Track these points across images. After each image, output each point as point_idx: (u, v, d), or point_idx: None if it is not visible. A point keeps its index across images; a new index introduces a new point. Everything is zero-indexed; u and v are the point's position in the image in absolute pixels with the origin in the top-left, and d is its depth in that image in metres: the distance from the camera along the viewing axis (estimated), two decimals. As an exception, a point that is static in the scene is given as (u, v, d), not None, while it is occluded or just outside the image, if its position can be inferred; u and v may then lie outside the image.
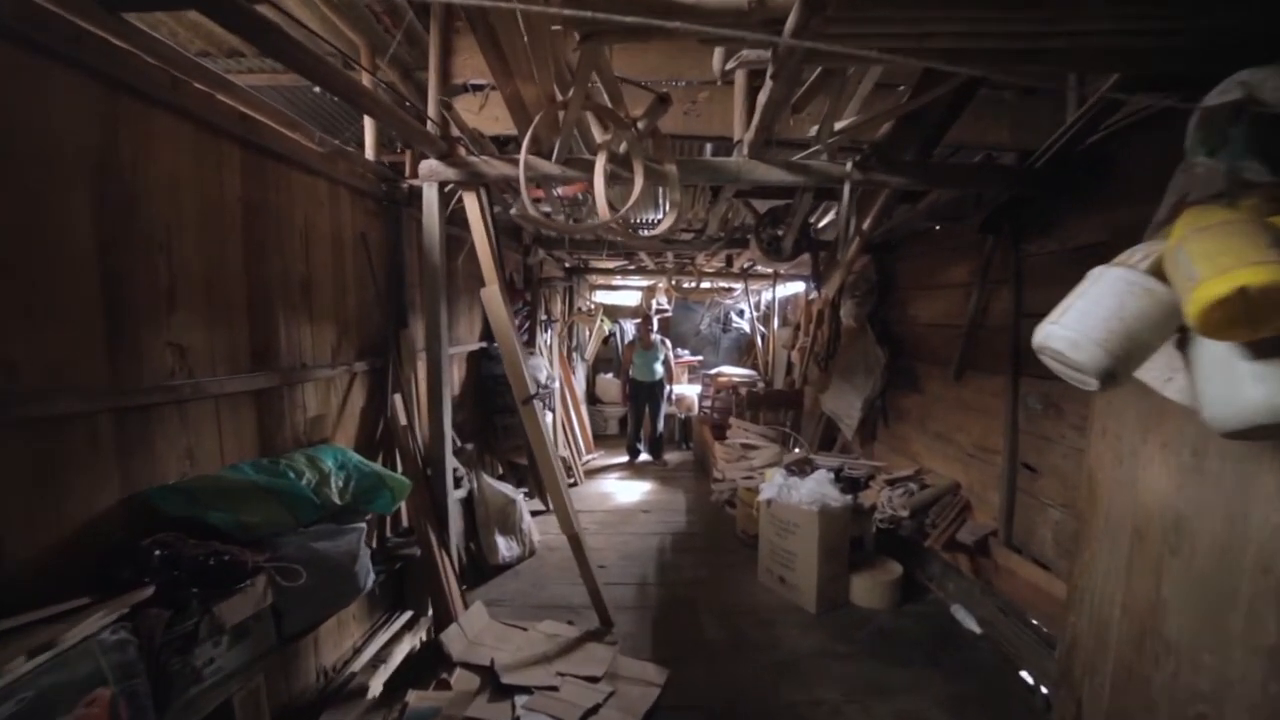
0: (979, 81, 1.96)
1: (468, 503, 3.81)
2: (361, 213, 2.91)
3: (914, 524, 3.14)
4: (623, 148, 2.49)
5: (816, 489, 3.33)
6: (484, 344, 4.62)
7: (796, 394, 5.68)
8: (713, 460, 5.59)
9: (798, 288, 7.55)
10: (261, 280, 2.15)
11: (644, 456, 6.85)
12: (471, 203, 2.79)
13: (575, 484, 5.71)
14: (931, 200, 3.26)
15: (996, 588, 2.88)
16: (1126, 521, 1.83)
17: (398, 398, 2.88)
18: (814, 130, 2.45)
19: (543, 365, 4.90)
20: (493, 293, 2.82)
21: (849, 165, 2.41)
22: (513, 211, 2.58)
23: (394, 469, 2.95)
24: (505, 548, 3.85)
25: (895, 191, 2.96)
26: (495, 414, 4.65)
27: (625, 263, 6.76)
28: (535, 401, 2.93)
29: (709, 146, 2.82)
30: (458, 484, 3.73)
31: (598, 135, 2.33)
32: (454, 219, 3.09)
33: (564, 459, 5.61)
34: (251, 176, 2.08)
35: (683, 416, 7.73)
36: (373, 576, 2.19)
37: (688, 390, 7.85)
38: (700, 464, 6.68)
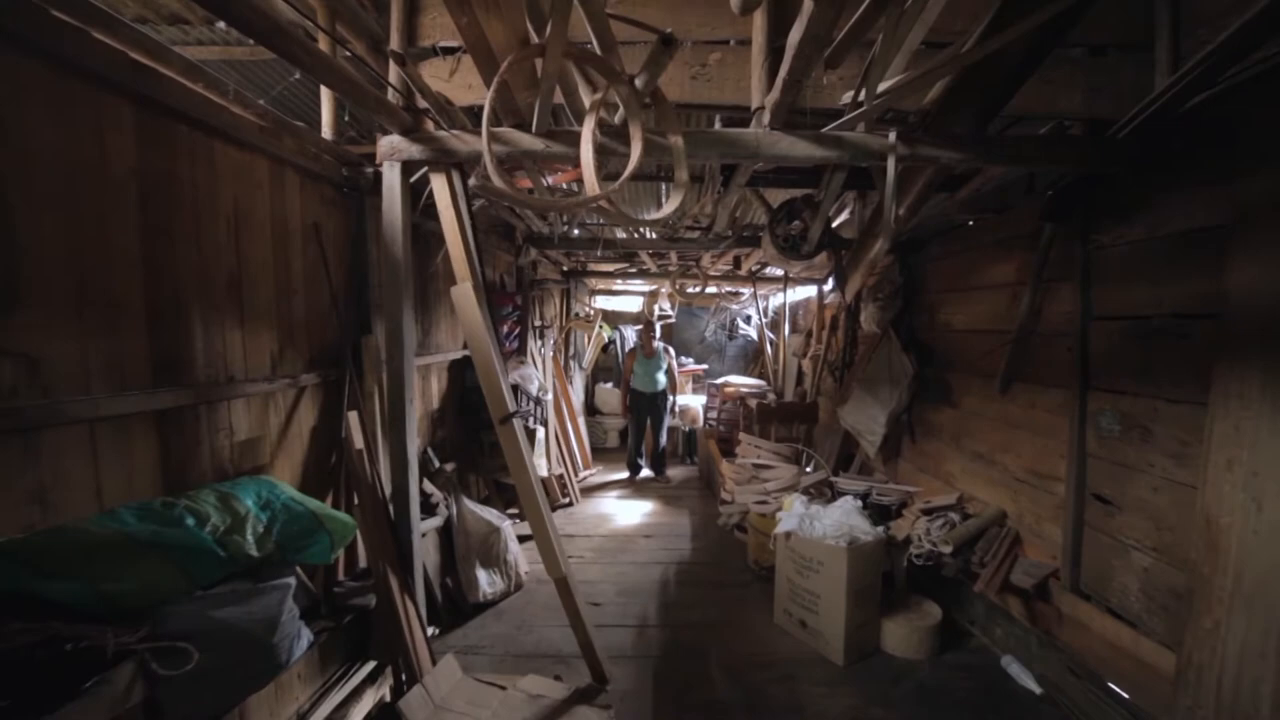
0: (1070, 20, 1.54)
1: (445, 532, 3.38)
2: (315, 200, 2.50)
3: (958, 562, 2.69)
4: (618, 116, 2.08)
5: (842, 519, 2.89)
6: (468, 352, 4.19)
7: (811, 407, 5.24)
8: (720, 478, 5.15)
9: (809, 292, 7.13)
10: (168, 274, 1.73)
11: (645, 473, 6.41)
12: (440, 186, 2.38)
13: (571, 504, 5.28)
14: (974, 187, 2.84)
15: (1060, 640, 2.43)
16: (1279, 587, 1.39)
17: (353, 416, 2.46)
18: (847, 97, 2.04)
19: (534, 375, 4.49)
20: (464, 291, 2.40)
21: (891, 137, 1.99)
22: (471, 182, 2.15)
23: (350, 501, 2.53)
24: (487, 583, 3.40)
25: (934, 177, 2.53)
26: (481, 429, 4.23)
27: (626, 265, 6.35)
28: (516, 420, 2.50)
29: (717, 120, 2.41)
30: (433, 511, 3.30)
31: (586, 98, 1.92)
32: (432, 210, 2.69)
33: (559, 477, 5.17)
34: (152, 143, 1.67)
35: (686, 429, 7.29)
36: (306, 642, 1.77)
37: (692, 401, 7.42)
38: (706, 481, 6.24)
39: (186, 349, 1.79)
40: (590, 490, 5.87)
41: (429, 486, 3.23)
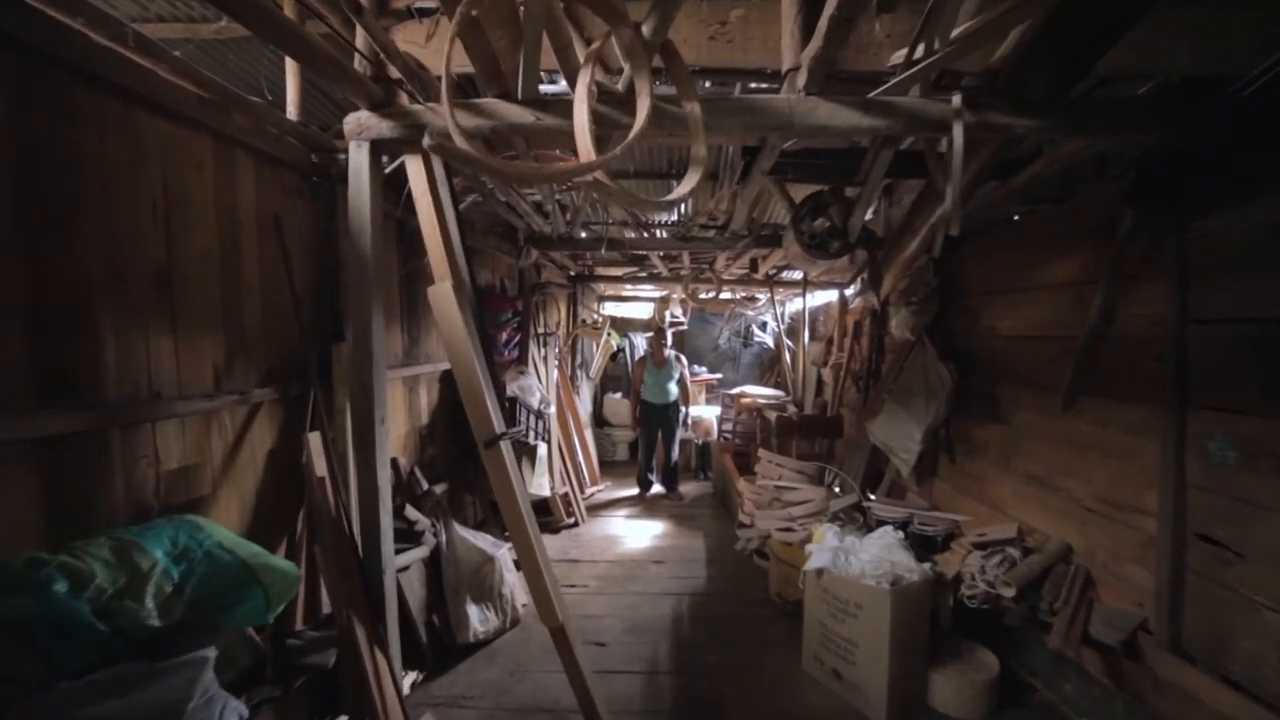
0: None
1: (432, 562, 3.03)
2: (276, 188, 2.18)
3: (1023, 608, 2.30)
4: (622, 82, 1.74)
5: (883, 554, 2.51)
6: (464, 361, 3.86)
7: (835, 420, 4.85)
8: (737, 497, 4.77)
9: (829, 297, 6.75)
10: (63, 269, 1.40)
11: (656, 489, 6.03)
12: (415, 168, 2.05)
13: (576, 524, 4.91)
14: (1035, 172, 2.46)
15: (1154, 708, 2.02)
16: None
17: (315, 437, 2.12)
18: (897, 57, 1.68)
19: (535, 387, 4.14)
20: (442, 293, 2.06)
21: (956, 100, 1.63)
22: (426, 142, 1.80)
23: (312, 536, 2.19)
24: (478, 620, 3.04)
25: (991, 158, 2.15)
26: (476, 446, 3.88)
27: (635, 269, 6.01)
28: (505, 442, 2.15)
29: (737, 89, 2.06)
30: (418, 539, 2.95)
31: (581, 53, 1.58)
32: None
33: (563, 496, 4.81)
34: (32, 102, 1.34)
35: (700, 442, 6.90)
36: (233, 724, 1.41)
37: (705, 412, 7.04)
38: (721, 499, 5.84)
39: (91, 360, 1.46)
40: (598, 508, 5.50)
41: (413, 513, 2.89)
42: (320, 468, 2.09)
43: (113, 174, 1.52)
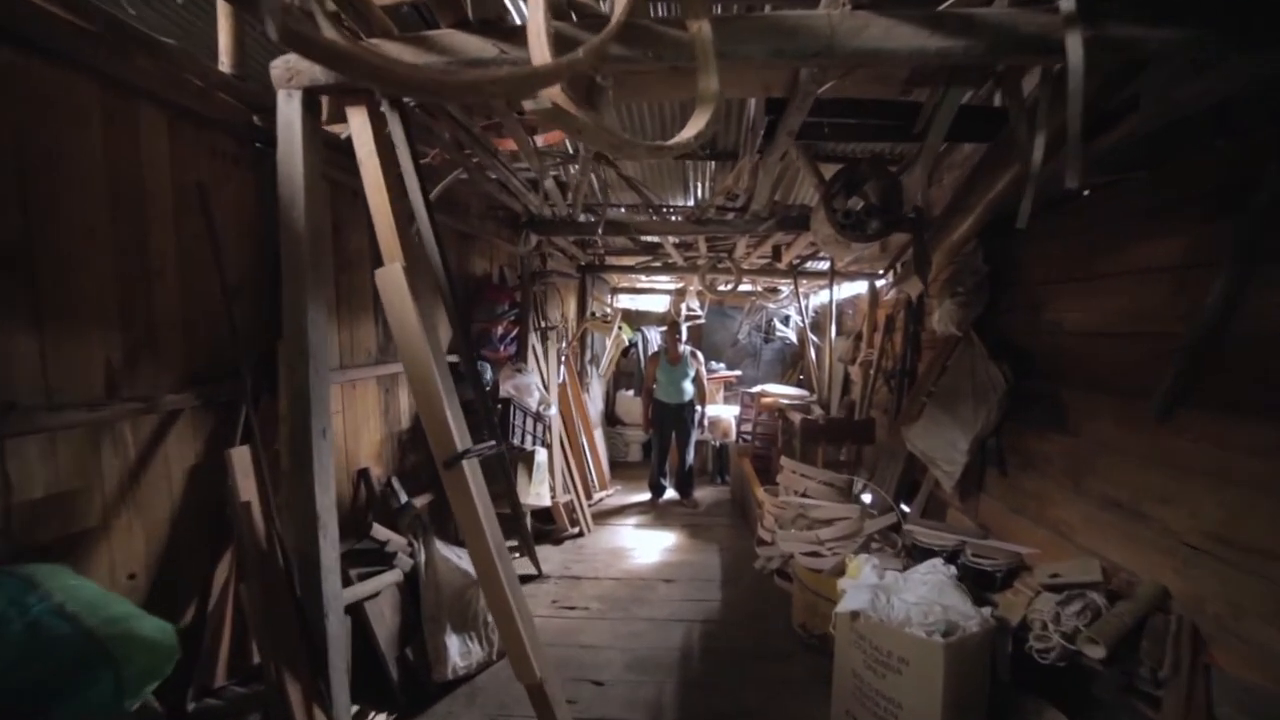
0: None
1: (409, 586, 2.67)
2: (201, 153, 1.81)
3: (1116, 674, 1.84)
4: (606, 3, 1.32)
5: (932, 596, 2.07)
6: (452, 358, 3.49)
7: (867, 425, 4.39)
8: (756, 508, 4.34)
9: (858, 288, 6.26)
10: None
11: (670, 494, 5.63)
12: (358, 123, 1.66)
13: (581, 534, 4.53)
14: (1129, 129, 1.98)
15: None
16: None
17: (241, 454, 1.76)
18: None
19: (534, 386, 3.76)
20: (391, 277, 1.67)
21: (1066, 4, 1.17)
22: (270, 31, 1.37)
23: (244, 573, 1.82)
24: (459, 652, 2.68)
25: (1092, 101, 1.68)
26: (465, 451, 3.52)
27: (648, 258, 5.59)
28: (467, 463, 1.76)
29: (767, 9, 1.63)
30: (390, 561, 2.59)
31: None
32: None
33: (566, 504, 4.43)
34: None
35: (717, 444, 6.47)
36: None
37: (723, 412, 6.60)
38: (739, 506, 5.42)
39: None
40: (605, 515, 5.12)
41: (382, 532, 2.52)
42: (246, 489, 1.72)
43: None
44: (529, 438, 3.66)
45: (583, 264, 5.94)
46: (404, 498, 2.91)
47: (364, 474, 2.70)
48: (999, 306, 3.32)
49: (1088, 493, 2.53)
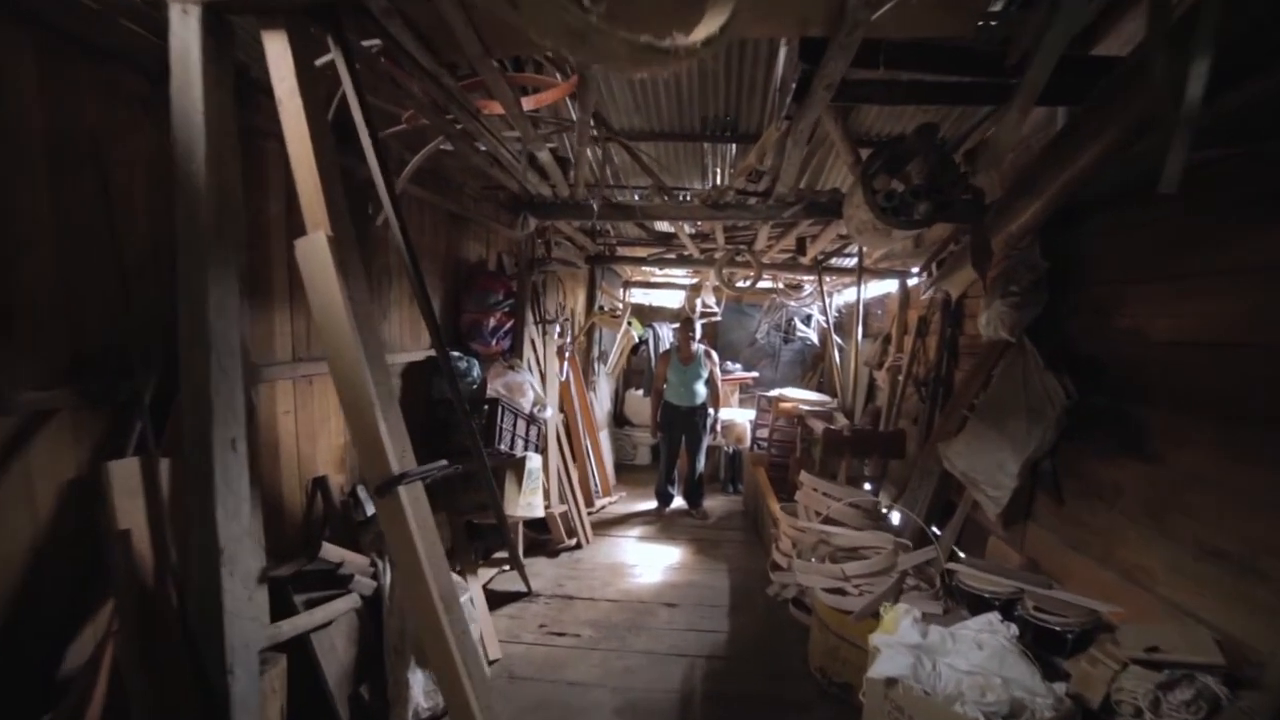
0: None
1: (372, 610, 2.33)
2: (92, 95, 1.47)
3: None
4: None
5: (990, 664, 1.67)
6: (434, 352, 3.15)
7: (897, 437, 3.96)
8: (771, 525, 3.94)
9: (886, 287, 5.82)
10: None
11: (678, 502, 5.24)
12: (276, 51, 1.30)
13: (578, 546, 4.17)
14: (1262, 88, 1.54)
15: None
16: None
17: (122, 468, 1.41)
18: None
19: (528, 385, 3.40)
20: (314, 247, 1.32)
21: None
22: None
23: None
24: (424, 691, 2.32)
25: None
26: (453, 455, 3.17)
27: (661, 249, 5.20)
28: (406, 489, 1.39)
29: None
30: (346, 585, 2.25)
31: None
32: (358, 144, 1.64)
33: (563, 514, 4.07)
34: None
35: (730, 450, 6.07)
36: None
37: (738, 416, 6.20)
38: (752, 520, 5.02)
39: None
40: (607, 525, 4.75)
41: (335, 553, 2.18)
42: (129, 514, 1.37)
43: None
44: (520, 443, 3.30)
45: (591, 254, 5.56)
46: (370, 510, 2.57)
47: (320, 483, 2.36)
48: (1059, 310, 2.88)
49: (1176, 535, 2.09)
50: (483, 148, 2.71)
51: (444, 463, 1.58)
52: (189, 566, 1.34)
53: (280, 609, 2.03)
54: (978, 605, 2.15)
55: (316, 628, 2.11)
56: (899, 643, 1.80)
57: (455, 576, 2.72)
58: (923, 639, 1.79)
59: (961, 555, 3.40)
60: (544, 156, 2.71)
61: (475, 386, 3.18)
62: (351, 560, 2.27)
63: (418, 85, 1.99)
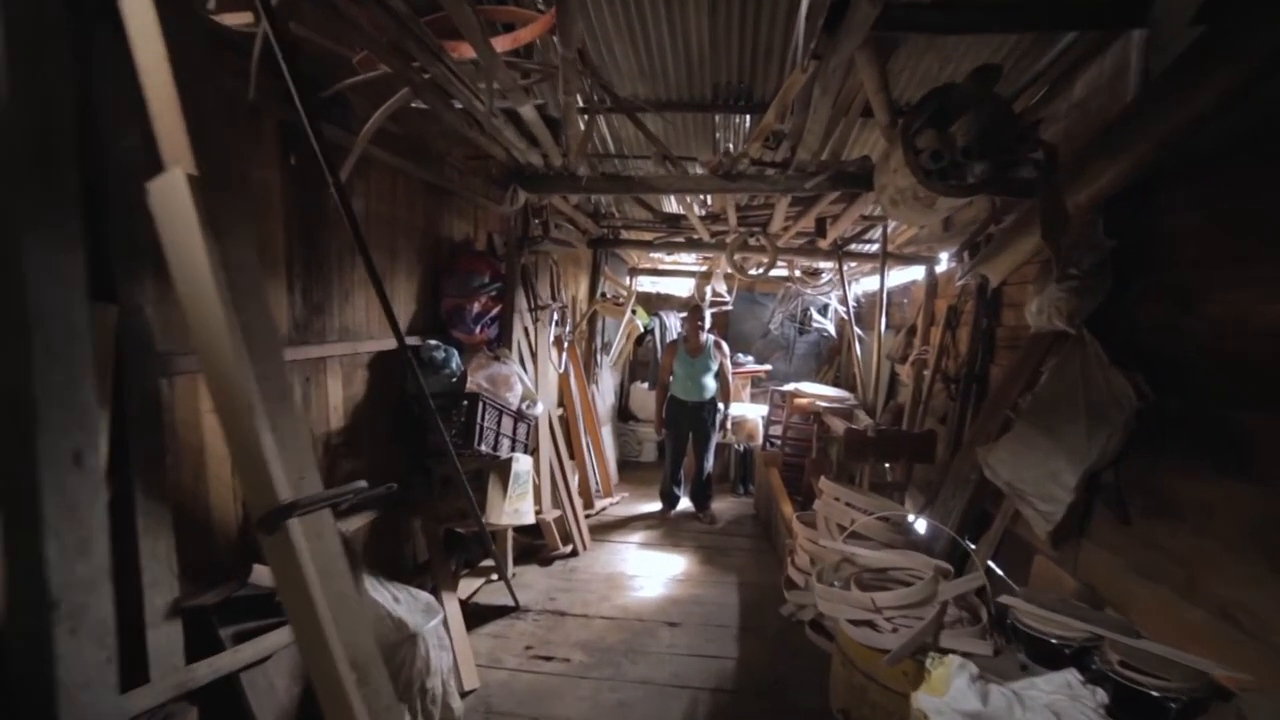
0: None
1: (318, 643, 1.99)
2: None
3: None
4: None
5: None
6: (414, 340, 2.80)
7: (927, 439, 3.57)
8: (785, 531, 3.58)
9: (910, 276, 5.41)
10: None
11: (684, 503, 4.89)
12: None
13: (574, 553, 3.84)
14: None
15: None
16: None
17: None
18: None
19: (515, 378, 3.05)
20: (171, 189, 0.96)
21: None
22: None
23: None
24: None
25: None
26: (429, 456, 2.84)
27: (669, 232, 4.81)
28: (294, 523, 1.04)
29: None
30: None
31: None
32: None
33: (557, 520, 3.73)
34: None
35: (741, 447, 5.70)
36: None
37: (750, 411, 5.82)
38: (765, 524, 4.66)
39: None
40: (607, 529, 4.41)
41: (267, 576, 1.84)
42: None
43: None
44: (506, 442, 2.95)
45: (595, 238, 5.18)
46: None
47: (260, 492, 2.02)
48: (1128, 295, 2.47)
49: (1286, 570, 1.70)
50: (458, 105, 2.34)
51: (362, 484, 1.23)
52: (11, 623, 1.00)
53: (202, 646, 1.70)
54: (1041, 651, 1.78)
55: (247, 666, 1.78)
56: (952, 709, 1.43)
57: (427, 597, 2.39)
58: (983, 705, 1.42)
59: (999, 573, 3.03)
60: (528, 114, 2.34)
61: (455, 380, 2.83)
62: (294, 583, 1.93)
63: (362, 12, 1.63)
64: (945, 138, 1.90)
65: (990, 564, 3.08)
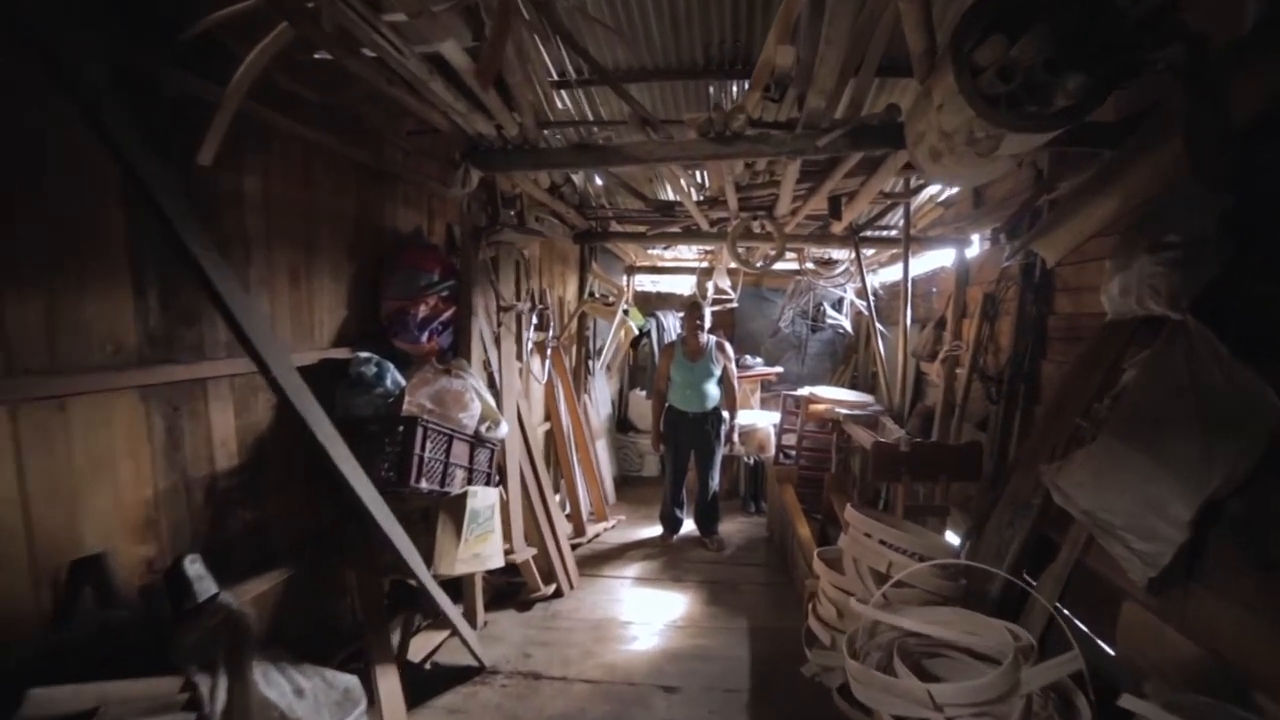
0: None
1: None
2: None
3: None
4: None
5: None
6: (341, 351, 2.27)
7: (972, 452, 2.99)
8: (807, 576, 3.00)
9: (937, 260, 4.83)
10: None
11: (688, 527, 4.32)
12: None
13: (558, 594, 3.28)
14: None
15: None
16: None
17: None
18: None
19: (471, 395, 2.51)
20: None
21: None
22: None
23: None
24: None
25: None
26: (357, 498, 2.29)
27: (662, 222, 4.26)
28: None
29: None
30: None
31: None
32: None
33: (530, 560, 3.16)
34: None
35: (751, 460, 5.12)
36: None
37: (760, 419, 5.24)
38: (779, 550, 4.08)
39: None
40: (598, 562, 3.85)
41: (61, 698, 1.31)
42: None
43: None
44: (459, 473, 2.41)
45: (582, 232, 4.64)
46: (210, 589, 1.71)
47: (87, 567, 1.49)
48: (1246, 270, 1.88)
49: None
50: (370, 53, 1.81)
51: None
52: None
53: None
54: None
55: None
56: None
57: (347, 681, 1.86)
58: None
59: (1079, 625, 2.43)
60: (456, 58, 1.80)
61: (392, 400, 2.29)
62: (127, 695, 1.40)
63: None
64: (1018, 47, 1.34)
65: (1059, 607, 2.48)
